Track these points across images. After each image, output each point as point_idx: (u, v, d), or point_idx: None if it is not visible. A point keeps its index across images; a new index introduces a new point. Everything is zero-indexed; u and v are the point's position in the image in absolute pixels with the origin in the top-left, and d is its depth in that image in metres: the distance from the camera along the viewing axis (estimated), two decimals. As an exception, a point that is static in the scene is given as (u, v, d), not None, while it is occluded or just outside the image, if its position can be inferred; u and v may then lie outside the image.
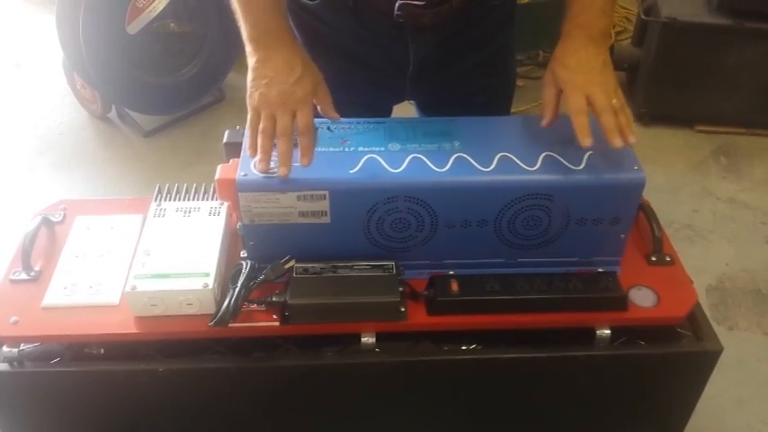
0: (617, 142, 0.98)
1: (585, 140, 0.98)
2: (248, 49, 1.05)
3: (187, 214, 1.11)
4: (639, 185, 1.02)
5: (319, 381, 1.07)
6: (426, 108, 1.34)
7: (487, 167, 1.00)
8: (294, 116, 0.99)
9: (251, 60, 1.04)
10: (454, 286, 1.04)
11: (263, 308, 1.03)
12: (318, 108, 1.04)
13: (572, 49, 1.04)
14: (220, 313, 0.97)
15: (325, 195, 0.99)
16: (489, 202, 1.01)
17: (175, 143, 2.59)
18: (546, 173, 1.00)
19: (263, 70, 1.02)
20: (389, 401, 1.11)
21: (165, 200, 1.14)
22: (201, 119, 2.71)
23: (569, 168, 1.01)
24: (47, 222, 1.14)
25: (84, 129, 2.67)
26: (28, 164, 2.50)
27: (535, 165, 1.01)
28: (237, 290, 0.98)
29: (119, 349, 1.03)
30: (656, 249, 1.14)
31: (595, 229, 1.04)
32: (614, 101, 1.01)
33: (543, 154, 1.03)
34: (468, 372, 1.08)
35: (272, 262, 1.04)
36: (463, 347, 1.06)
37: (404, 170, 1.00)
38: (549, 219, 1.03)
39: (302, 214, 1.01)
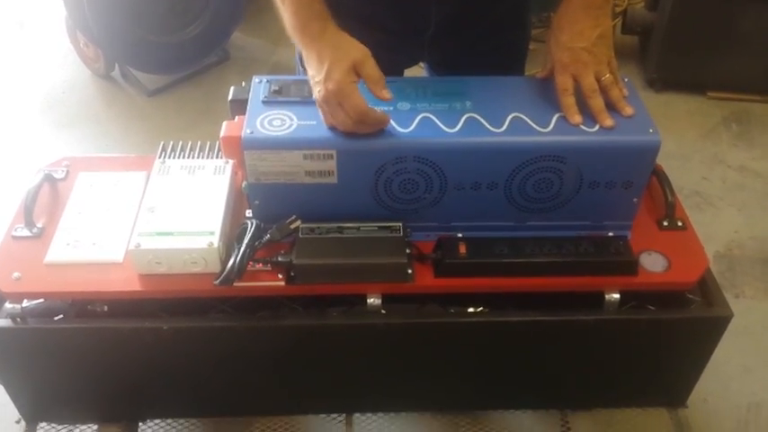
0: (607, 122, 0.99)
1: (573, 118, 0.99)
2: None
3: (192, 172, 1.09)
4: (654, 148, 0.99)
5: (324, 341, 1.06)
6: (439, 67, 1.31)
7: (499, 128, 0.98)
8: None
9: None
10: (462, 249, 1.03)
11: (268, 267, 1.01)
12: (367, 87, 0.95)
13: (568, 21, 1.01)
14: (226, 272, 0.96)
15: (332, 155, 0.97)
16: (500, 163, 0.99)
17: (180, 103, 2.56)
18: (559, 134, 0.98)
19: (308, 69, 0.98)
20: (395, 363, 1.11)
21: (170, 157, 1.12)
22: (206, 79, 2.67)
23: (583, 130, 0.98)
24: (49, 179, 1.13)
25: (88, 87, 2.65)
26: (31, 123, 2.48)
27: (548, 126, 0.99)
28: (243, 249, 0.96)
29: (122, 307, 1.02)
30: (669, 214, 1.12)
31: (607, 193, 1.02)
32: (606, 76, 1.01)
33: (556, 115, 1.00)
34: (476, 335, 1.07)
35: (277, 222, 1.02)
36: (470, 310, 1.05)
37: (413, 130, 0.98)
38: (561, 181, 1.01)
39: (309, 174, 0.99)
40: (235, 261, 0.96)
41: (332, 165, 0.98)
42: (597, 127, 0.99)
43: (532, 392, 1.20)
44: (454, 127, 0.98)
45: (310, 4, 0.98)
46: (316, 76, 0.95)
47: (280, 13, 1.01)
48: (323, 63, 0.94)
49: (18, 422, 1.17)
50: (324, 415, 1.21)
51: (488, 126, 0.98)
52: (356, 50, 0.94)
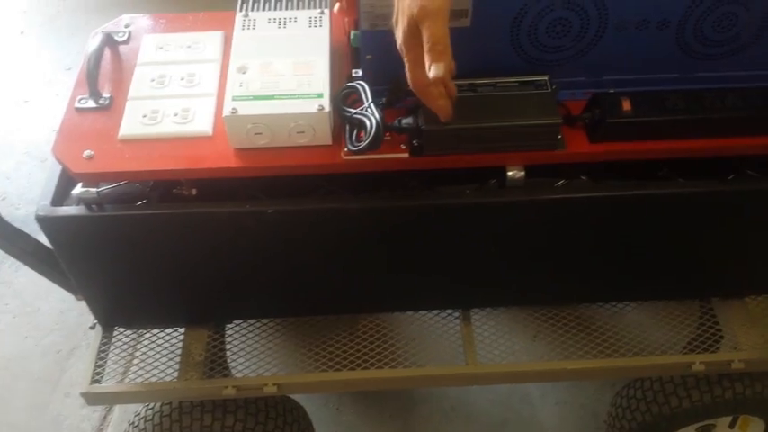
0: None
1: None
2: None
3: (282, 25, 0.90)
4: None
5: (455, 224, 0.88)
6: None
7: (683, -57, 0.77)
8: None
9: None
10: (626, 105, 0.83)
11: (387, 137, 0.83)
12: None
13: None
14: (372, 132, 0.76)
15: (468, -14, 0.77)
16: (681, -9, 0.78)
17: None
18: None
19: None
20: (530, 249, 0.94)
21: (252, 10, 0.92)
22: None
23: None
24: (111, 42, 0.93)
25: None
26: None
27: (743, -60, 0.77)
28: (374, 108, 0.77)
29: (213, 189, 0.85)
30: None
31: (804, 31, 0.82)
32: None
33: (753, -74, 0.78)
34: (642, 212, 0.89)
35: (392, 82, 0.83)
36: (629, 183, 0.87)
37: (570, -52, 0.77)
38: (748, 17, 0.80)
39: (437, 15, 0.79)
40: (376, 121, 0.77)
41: (466, 2, 0.78)
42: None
43: (679, 279, 1.03)
44: (623, -56, 0.77)
45: None
46: None
47: None
48: None
49: (92, 328, 1.03)
50: (437, 312, 1.06)
51: (667, -58, 0.77)
52: None
